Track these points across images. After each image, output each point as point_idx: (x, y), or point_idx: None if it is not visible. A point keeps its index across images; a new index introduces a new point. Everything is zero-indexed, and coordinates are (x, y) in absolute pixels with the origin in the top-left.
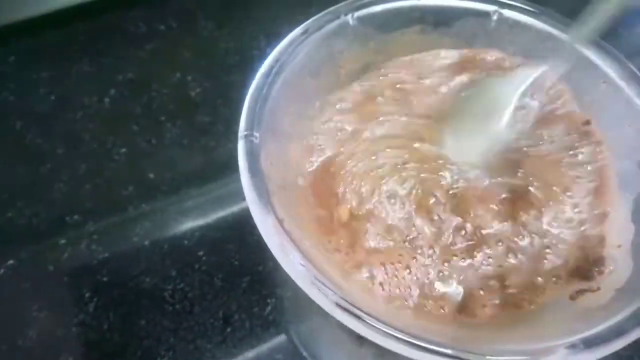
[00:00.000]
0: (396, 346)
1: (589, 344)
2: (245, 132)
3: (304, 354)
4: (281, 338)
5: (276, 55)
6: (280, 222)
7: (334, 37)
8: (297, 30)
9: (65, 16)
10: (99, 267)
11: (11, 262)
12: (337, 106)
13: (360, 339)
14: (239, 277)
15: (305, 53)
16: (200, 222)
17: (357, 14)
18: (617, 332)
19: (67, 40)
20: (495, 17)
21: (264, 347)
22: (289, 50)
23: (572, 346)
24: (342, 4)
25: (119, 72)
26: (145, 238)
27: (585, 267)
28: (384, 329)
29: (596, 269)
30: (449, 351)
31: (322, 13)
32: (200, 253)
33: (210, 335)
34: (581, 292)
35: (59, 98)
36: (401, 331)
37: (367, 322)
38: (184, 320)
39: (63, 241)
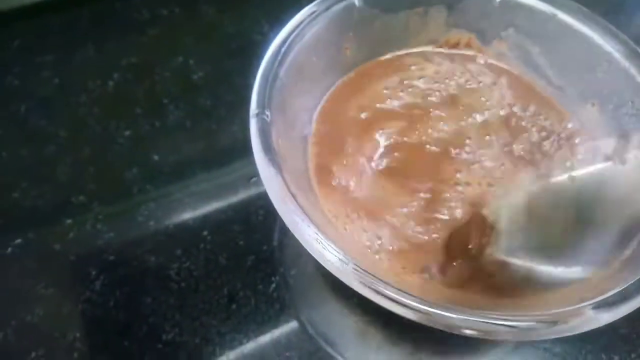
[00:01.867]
0: (414, 314)
1: (612, 303)
2: (257, 111)
3: (309, 329)
4: (285, 314)
5: (284, 36)
6: (294, 196)
7: (340, 18)
8: (305, 11)
9: (69, 1)
10: (105, 246)
11: (18, 241)
12: None
13: (365, 312)
14: (244, 256)
15: (312, 34)
16: (204, 202)
17: None
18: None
19: (71, 24)
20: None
21: (268, 323)
22: (296, 31)
23: (598, 306)
24: None
25: (123, 57)
26: (150, 218)
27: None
28: (405, 301)
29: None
30: (473, 318)
31: None
32: (205, 233)
33: (215, 312)
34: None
35: (63, 82)
36: (422, 300)
37: (387, 294)
38: (189, 297)
39: (69, 221)
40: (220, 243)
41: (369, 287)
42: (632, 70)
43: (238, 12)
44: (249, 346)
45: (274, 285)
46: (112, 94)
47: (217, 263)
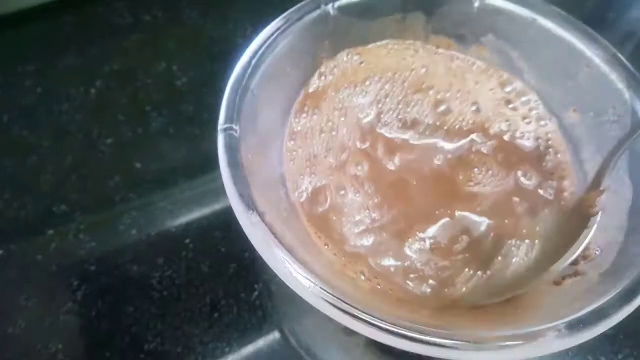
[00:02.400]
0: (381, 335)
1: (577, 326)
2: (225, 126)
3: (291, 338)
4: (268, 323)
5: (255, 47)
6: (261, 215)
7: (314, 27)
8: (277, 21)
9: (51, 8)
10: (87, 256)
11: (0, 252)
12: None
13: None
14: (226, 263)
15: (285, 44)
16: (186, 210)
17: (337, 3)
18: (604, 314)
19: (52, 32)
20: (477, 4)
21: (250, 332)
22: (268, 42)
23: (561, 329)
24: None
25: (105, 63)
26: (132, 227)
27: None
28: (368, 319)
29: (581, 255)
30: (433, 339)
31: (303, 3)
32: (187, 241)
33: (198, 320)
34: (566, 277)
35: (45, 90)
36: (385, 320)
37: (354, 314)
38: (171, 306)
39: (51, 231)
40: (203, 251)
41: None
42: (613, 76)
43: (221, 16)
44: (231, 355)
45: (256, 293)
46: (95, 101)
47: (199, 271)
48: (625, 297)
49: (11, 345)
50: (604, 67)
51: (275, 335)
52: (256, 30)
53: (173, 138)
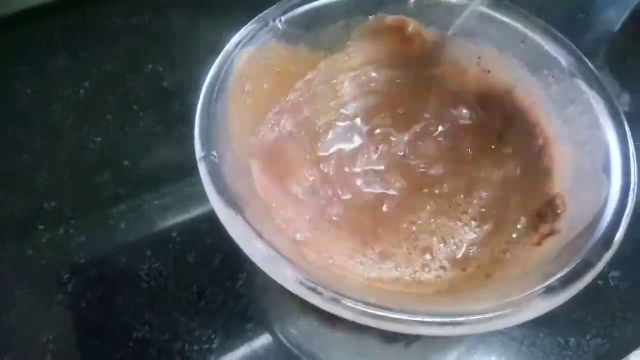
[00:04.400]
0: (364, 319)
1: (561, 285)
2: (203, 153)
3: (274, 326)
4: (252, 310)
5: (215, 72)
6: (260, 234)
7: (266, 44)
8: (230, 44)
9: (41, 11)
10: (77, 249)
11: None
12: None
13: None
14: (212, 254)
15: (241, 65)
16: (173, 204)
17: (284, 17)
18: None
19: (43, 35)
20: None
21: (235, 318)
22: (226, 65)
23: (547, 290)
24: (269, 9)
25: (94, 65)
26: (120, 221)
27: (542, 209)
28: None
29: (551, 212)
30: (421, 318)
31: (251, 22)
32: (174, 234)
33: (185, 308)
34: (544, 236)
35: (36, 92)
36: (370, 304)
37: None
38: (158, 295)
39: (41, 227)
40: (189, 243)
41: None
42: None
43: (207, 21)
44: (217, 340)
45: (241, 282)
46: (84, 102)
47: (186, 262)
48: (604, 245)
49: (4, 336)
50: (539, 40)
51: (259, 322)
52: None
53: (160, 136)
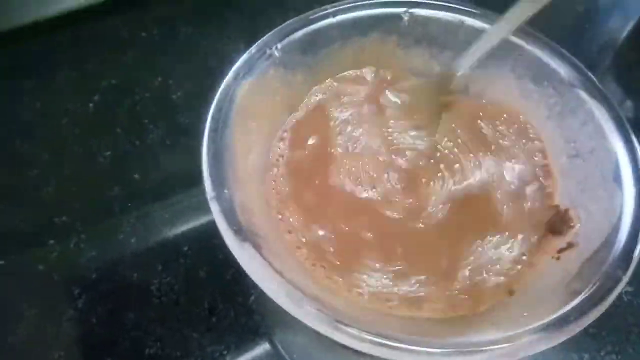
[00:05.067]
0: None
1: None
2: (214, 193)
3: (284, 344)
4: (264, 326)
5: (217, 106)
6: (281, 274)
7: (265, 72)
8: (229, 77)
9: (49, 25)
10: (87, 264)
11: (1, 262)
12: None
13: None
14: (223, 269)
15: (242, 97)
16: (184, 218)
17: (279, 44)
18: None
19: (51, 48)
20: (406, 17)
21: (247, 335)
22: (228, 97)
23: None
24: (264, 38)
25: (102, 78)
26: (131, 236)
27: (556, 222)
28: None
29: (565, 225)
30: (429, 349)
31: (248, 52)
32: (185, 248)
33: (196, 324)
34: (562, 250)
35: (44, 105)
36: (377, 334)
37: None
38: (170, 311)
39: (52, 241)
40: (200, 257)
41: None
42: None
43: (214, 31)
44: (229, 358)
45: (252, 297)
46: (93, 115)
47: (197, 277)
48: (625, 258)
49: (13, 354)
50: (539, 52)
51: (270, 338)
52: (249, 46)
53: (170, 149)
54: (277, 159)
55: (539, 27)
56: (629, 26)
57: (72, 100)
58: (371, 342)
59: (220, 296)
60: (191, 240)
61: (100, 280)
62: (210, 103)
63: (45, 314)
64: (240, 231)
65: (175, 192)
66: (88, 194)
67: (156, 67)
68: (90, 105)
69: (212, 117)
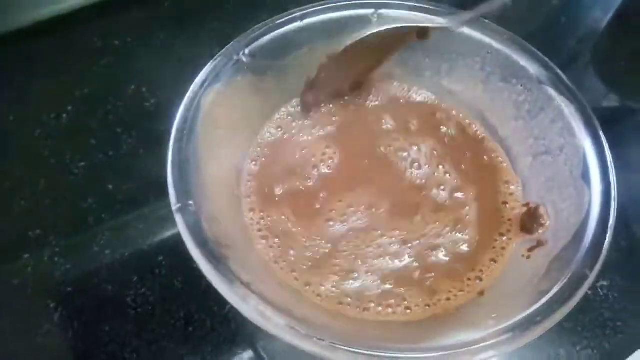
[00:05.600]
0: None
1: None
2: (179, 205)
3: (262, 352)
4: (240, 335)
5: (183, 114)
6: (248, 286)
7: (233, 79)
8: (195, 85)
9: (22, 35)
10: (63, 278)
11: None
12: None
13: None
14: (199, 279)
15: (209, 104)
16: (159, 228)
17: (247, 50)
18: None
19: (24, 59)
20: (375, 19)
21: (224, 345)
22: (194, 106)
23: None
24: (231, 43)
25: (76, 88)
26: (106, 247)
27: (527, 220)
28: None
29: (535, 223)
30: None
31: (213, 59)
32: (160, 258)
33: (173, 335)
34: (532, 248)
35: (18, 117)
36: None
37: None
38: (146, 323)
39: (26, 255)
40: (175, 267)
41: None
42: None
43: (190, 37)
44: None
45: (228, 306)
46: (67, 126)
47: (173, 287)
48: (593, 255)
49: None
50: (507, 50)
51: (247, 347)
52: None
53: (143, 158)
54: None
55: (516, 21)
56: (608, 17)
57: (45, 110)
58: (346, 352)
59: (196, 306)
60: (166, 251)
61: (75, 294)
62: None
63: (21, 328)
64: (205, 244)
65: (149, 202)
66: (62, 206)
67: (130, 74)
68: (64, 116)
69: (177, 128)
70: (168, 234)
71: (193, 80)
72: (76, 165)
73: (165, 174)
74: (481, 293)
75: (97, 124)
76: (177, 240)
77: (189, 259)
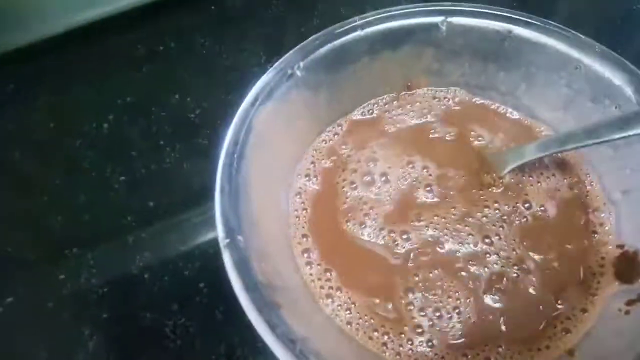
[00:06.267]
0: None
1: None
2: (227, 240)
3: None
4: None
5: (233, 137)
6: (303, 342)
7: (285, 96)
8: (247, 101)
9: (63, 41)
10: (99, 302)
11: (9, 299)
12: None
13: None
14: (242, 310)
15: (261, 124)
16: (200, 251)
17: (302, 63)
18: None
19: (65, 65)
20: (444, 27)
21: None
22: (244, 127)
23: None
24: (285, 57)
25: (118, 96)
26: (145, 270)
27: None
28: None
29: (635, 271)
30: None
31: (266, 74)
32: (202, 285)
33: None
34: (631, 302)
35: (58, 125)
36: None
37: None
38: (185, 356)
39: (62, 276)
40: (217, 295)
41: None
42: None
43: (234, 44)
44: None
45: None
46: (108, 136)
47: (214, 317)
48: None
49: None
50: (599, 66)
51: None
52: (270, 59)
53: (187, 173)
54: (299, 194)
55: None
56: None
57: (86, 119)
58: None
59: (239, 339)
60: (207, 276)
61: (111, 320)
62: (230, 121)
63: (54, 355)
64: (254, 288)
65: (191, 221)
66: (100, 223)
67: (173, 83)
68: (105, 125)
69: (227, 152)
70: (210, 258)
71: (240, 90)
72: (117, 179)
73: (210, 192)
74: (571, 353)
75: (138, 134)
76: (220, 265)
77: (232, 287)
